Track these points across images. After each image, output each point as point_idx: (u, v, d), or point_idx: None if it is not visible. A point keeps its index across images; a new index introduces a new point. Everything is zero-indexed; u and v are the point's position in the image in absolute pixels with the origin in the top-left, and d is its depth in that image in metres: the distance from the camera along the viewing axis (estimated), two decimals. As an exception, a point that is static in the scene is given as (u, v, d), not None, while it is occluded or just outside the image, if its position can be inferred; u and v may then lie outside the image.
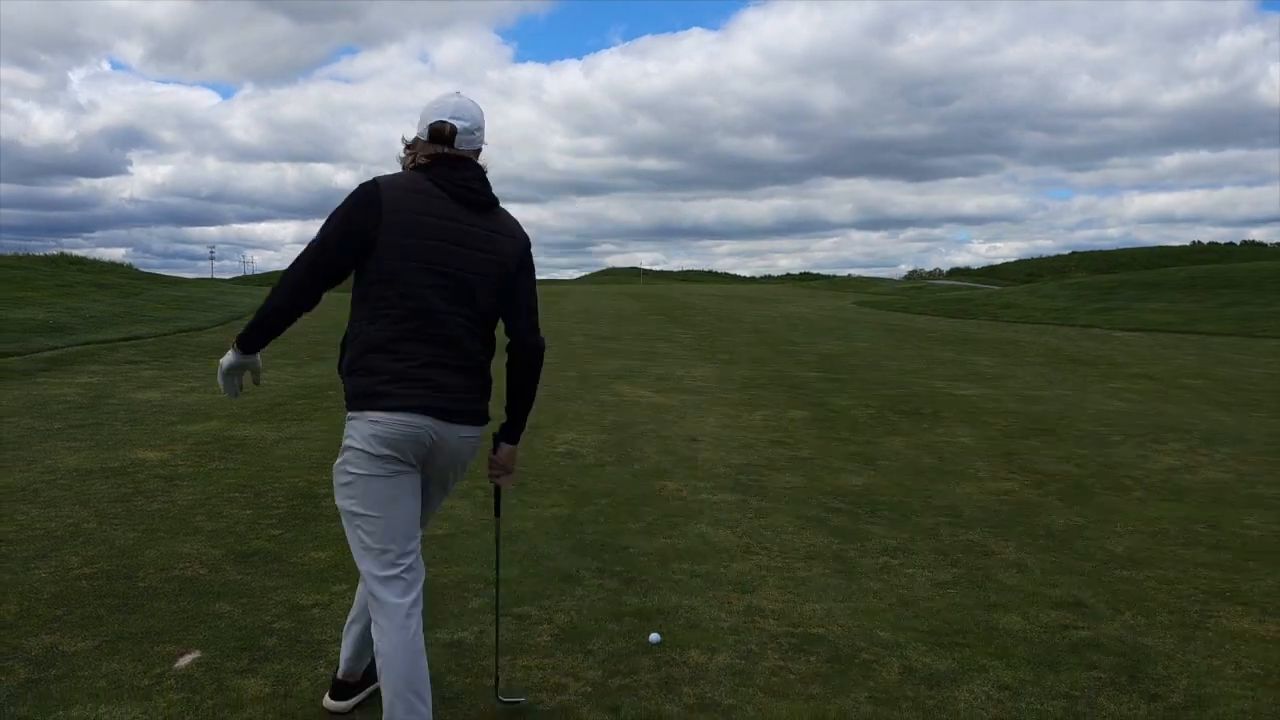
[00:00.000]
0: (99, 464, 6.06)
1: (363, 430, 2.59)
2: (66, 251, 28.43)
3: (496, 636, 3.31)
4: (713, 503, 5.62)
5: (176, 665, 3.24)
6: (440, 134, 2.66)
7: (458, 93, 2.74)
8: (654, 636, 3.62)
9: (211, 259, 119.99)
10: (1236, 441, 7.89)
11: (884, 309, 36.88)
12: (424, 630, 2.64)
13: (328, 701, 3.00)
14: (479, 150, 2.76)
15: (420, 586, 2.67)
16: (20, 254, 26.84)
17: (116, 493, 5.38)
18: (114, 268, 27.54)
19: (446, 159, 2.67)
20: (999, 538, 5.08)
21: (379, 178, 2.64)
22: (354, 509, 2.64)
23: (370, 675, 2.98)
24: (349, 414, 2.64)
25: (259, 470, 6.04)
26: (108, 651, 3.33)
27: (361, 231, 2.56)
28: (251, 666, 3.26)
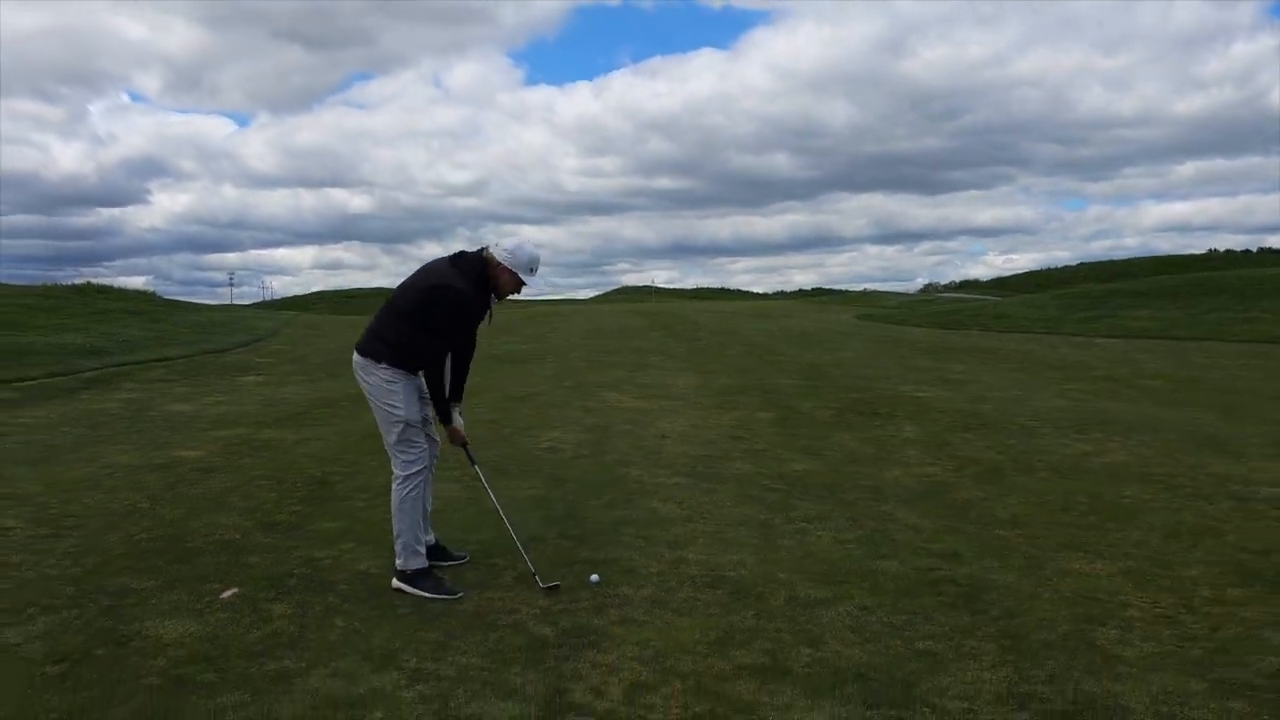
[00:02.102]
0: (146, 461, 7.10)
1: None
2: (92, 280, 29.80)
3: (522, 551, 4.29)
4: (667, 485, 6.58)
5: (221, 596, 4.23)
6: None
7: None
8: (594, 577, 4.57)
9: (231, 285, 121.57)
10: (1153, 432, 8.78)
11: (881, 322, 37.80)
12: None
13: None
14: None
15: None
16: (49, 284, 28.18)
17: (163, 482, 6.42)
18: (140, 295, 28.85)
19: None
20: (907, 509, 6.00)
21: None
22: None
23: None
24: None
25: (282, 464, 7.06)
26: (167, 588, 4.33)
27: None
28: (278, 597, 4.25)
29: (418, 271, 4.53)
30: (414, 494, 4.44)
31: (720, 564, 4.83)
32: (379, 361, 4.39)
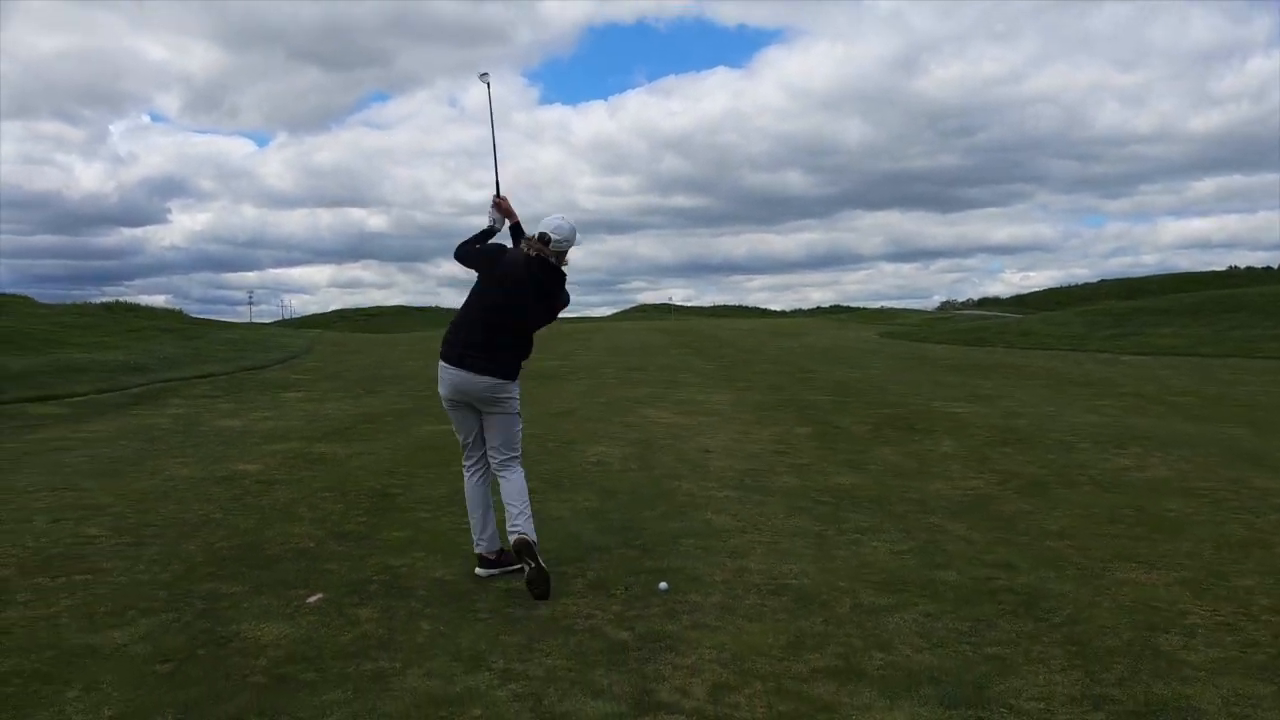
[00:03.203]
0: (208, 474, 7.30)
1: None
2: (119, 299, 30.29)
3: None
4: (718, 497, 6.72)
5: (308, 601, 4.39)
6: (542, 240, 4.85)
7: (561, 216, 4.89)
8: (663, 585, 4.71)
9: (250, 304, 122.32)
10: (1189, 447, 8.86)
11: (904, 339, 37.86)
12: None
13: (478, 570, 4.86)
14: (564, 252, 4.90)
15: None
16: (79, 303, 28.65)
17: (229, 493, 6.61)
18: (169, 314, 29.26)
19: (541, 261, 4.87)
20: (956, 520, 6.12)
21: None
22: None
23: (504, 558, 4.84)
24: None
25: (341, 477, 7.25)
26: (255, 593, 4.50)
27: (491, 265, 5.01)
28: (362, 601, 4.41)
29: (533, 284, 4.84)
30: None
31: (781, 572, 4.96)
32: (515, 380, 4.85)
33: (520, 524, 4.69)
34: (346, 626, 4.10)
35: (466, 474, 4.99)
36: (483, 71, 5.32)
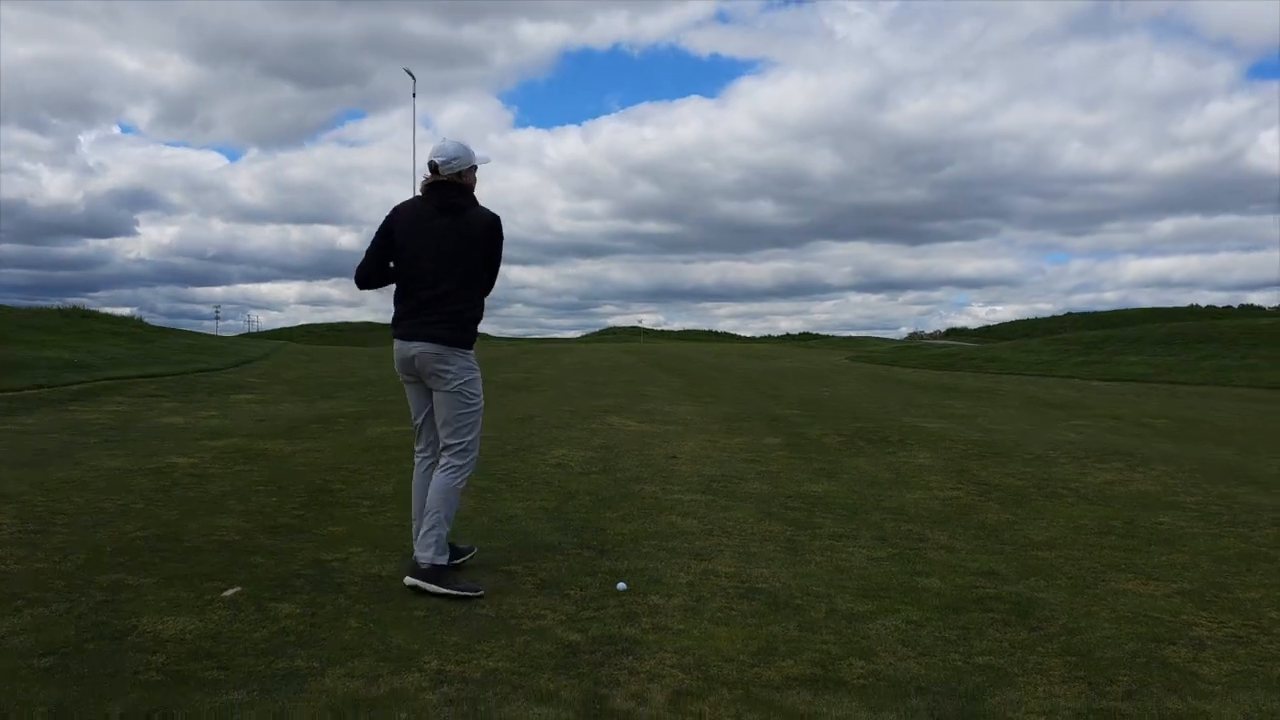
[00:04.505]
0: (137, 465, 6.77)
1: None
2: (78, 305, 29.41)
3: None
4: (684, 501, 6.30)
5: (223, 595, 3.92)
6: (431, 168, 4.18)
7: (444, 138, 4.29)
8: (621, 585, 4.29)
9: (217, 319, 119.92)
10: (1172, 463, 8.57)
11: (875, 363, 37.69)
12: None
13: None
14: (460, 173, 4.20)
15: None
16: (36, 308, 27.79)
17: (156, 485, 6.09)
18: (126, 320, 28.39)
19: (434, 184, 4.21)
20: (937, 529, 5.74)
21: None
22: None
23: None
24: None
25: (280, 471, 6.75)
26: (165, 585, 4.02)
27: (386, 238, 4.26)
28: (284, 596, 3.95)
29: (438, 226, 4.17)
30: (462, 486, 4.27)
31: (751, 576, 4.56)
32: (467, 347, 4.22)
33: (420, 545, 4.13)
34: (263, 622, 3.64)
35: (415, 462, 4.49)
36: (407, 68, 5.01)
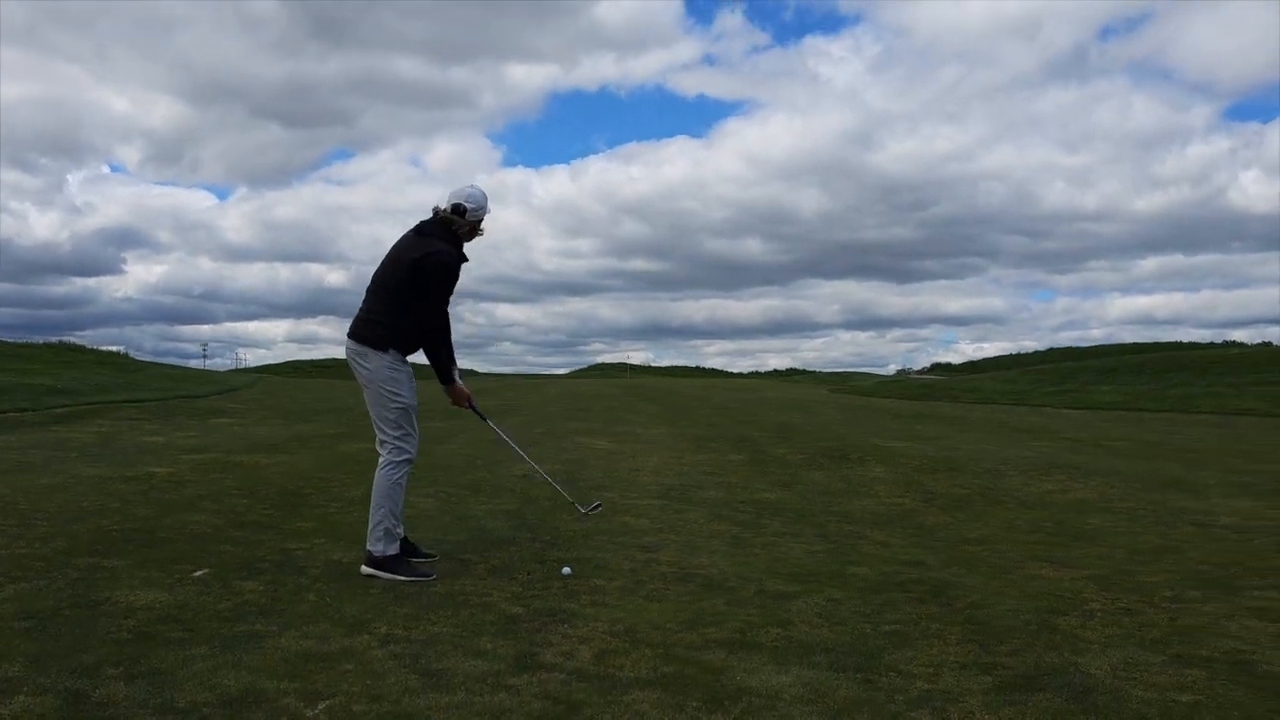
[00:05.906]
0: (117, 474, 7.06)
1: None
2: (65, 340, 29.68)
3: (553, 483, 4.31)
4: (640, 504, 6.62)
5: (193, 575, 4.22)
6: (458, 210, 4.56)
7: (472, 185, 4.59)
8: (566, 570, 4.59)
9: (205, 356, 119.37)
10: (1117, 476, 8.93)
11: (855, 394, 38.14)
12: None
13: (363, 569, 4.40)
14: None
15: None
16: (23, 342, 28.02)
17: (134, 489, 6.38)
18: (112, 354, 28.63)
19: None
20: (877, 529, 6.07)
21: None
22: None
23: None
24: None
25: (254, 479, 7.05)
26: (138, 567, 4.32)
27: None
28: (250, 576, 4.25)
29: (394, 249, 4.58)
30: (401, 480, 4.48)
31: (692, 564, 4.87)
32: (381, 349, 4.45)
33: (370, 538, 4.43)
34: (228, 596, 3.94)
35: (379, 464, 4.76)
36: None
